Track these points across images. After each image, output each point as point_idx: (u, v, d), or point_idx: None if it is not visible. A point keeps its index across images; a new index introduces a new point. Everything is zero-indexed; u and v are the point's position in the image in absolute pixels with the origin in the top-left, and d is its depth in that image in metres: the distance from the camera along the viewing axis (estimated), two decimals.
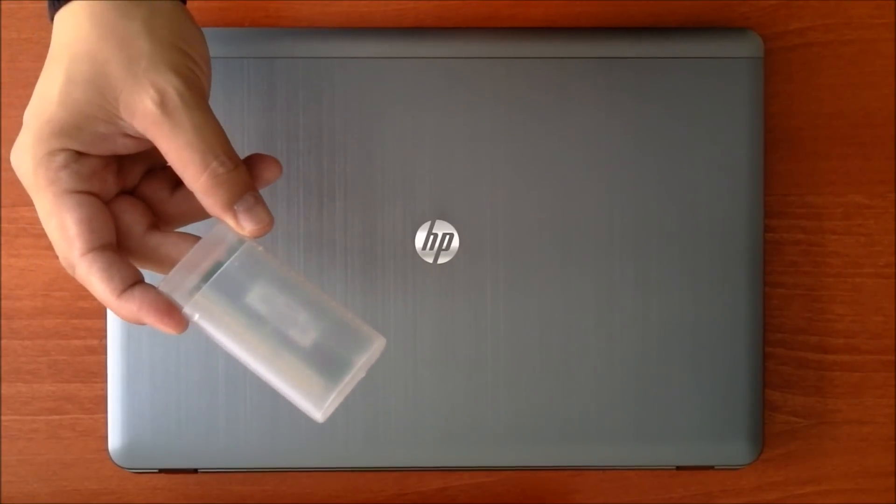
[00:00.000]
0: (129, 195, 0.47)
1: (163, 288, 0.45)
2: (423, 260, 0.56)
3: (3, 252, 0.61)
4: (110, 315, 0.56)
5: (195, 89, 0.44)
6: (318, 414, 0.45)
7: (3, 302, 0.61)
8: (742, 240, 0.57)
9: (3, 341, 0.61)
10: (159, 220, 0.47)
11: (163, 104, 0.43)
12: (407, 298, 0.56)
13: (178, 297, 0.44)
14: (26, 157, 0.44)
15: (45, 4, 0.46)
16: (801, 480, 0.62)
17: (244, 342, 0.45)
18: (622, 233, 0.56)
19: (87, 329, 0.61)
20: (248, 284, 0.45)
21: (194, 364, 0.56)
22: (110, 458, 0.57)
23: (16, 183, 0.61)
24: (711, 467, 0.58)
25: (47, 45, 0.45)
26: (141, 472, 0.57)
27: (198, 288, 0.45)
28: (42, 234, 0.61)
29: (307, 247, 0.56)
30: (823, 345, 0.62)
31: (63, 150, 0.43)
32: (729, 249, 0.57)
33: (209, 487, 0.61)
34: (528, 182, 0.56)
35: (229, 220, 0.45)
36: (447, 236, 0.56)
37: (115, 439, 0.56)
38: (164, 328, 0.44)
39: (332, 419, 0.56)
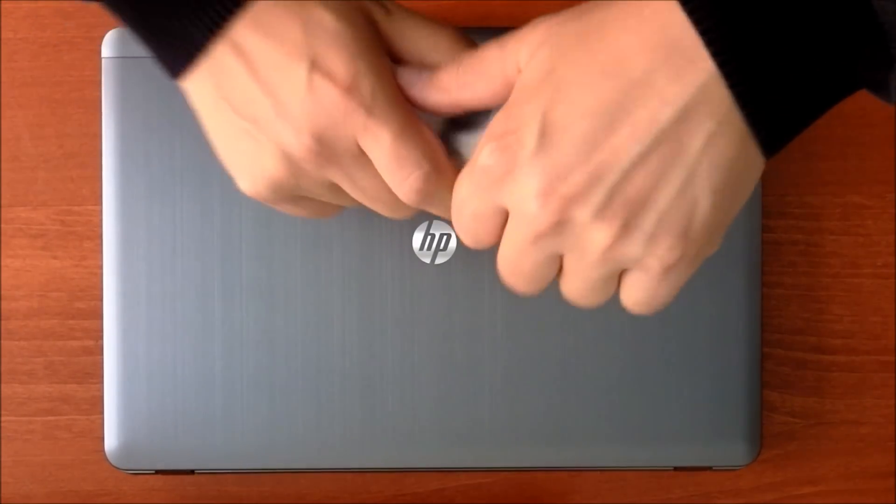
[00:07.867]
0: None
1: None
2: (420, 260, 0.56)
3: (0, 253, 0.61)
4: (107, 316, 0.56)
5: None
6: None
7: None
8: (740, 240, 0.57)
9: (0, 342, 0.61)
10: None
11: None
12: (404, 299, 0.56)
13: None
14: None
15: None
16: (800, 481, 0.62)
17: None
18: None
19: (84, 330, 0.61)
20: None
21: (191, 365, 0.56)
22: (106, 459, 0.56)
23: (12, 183, 0.61)
24: (709, 468, 0.58)
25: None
26: (137, 473, 0.57)
27: None
28: (38, 235, 0.61)
29: (304, 246, 0.56)
30: (822, 345, 0.62)
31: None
32: (727, 249, 0.57)
33: (206, 488, 0.61)
34: None
35: None
36: (445, 237, 0.56)
37: (111, 440, 0.56)
38: None
39: (330, 419, 0.56)
